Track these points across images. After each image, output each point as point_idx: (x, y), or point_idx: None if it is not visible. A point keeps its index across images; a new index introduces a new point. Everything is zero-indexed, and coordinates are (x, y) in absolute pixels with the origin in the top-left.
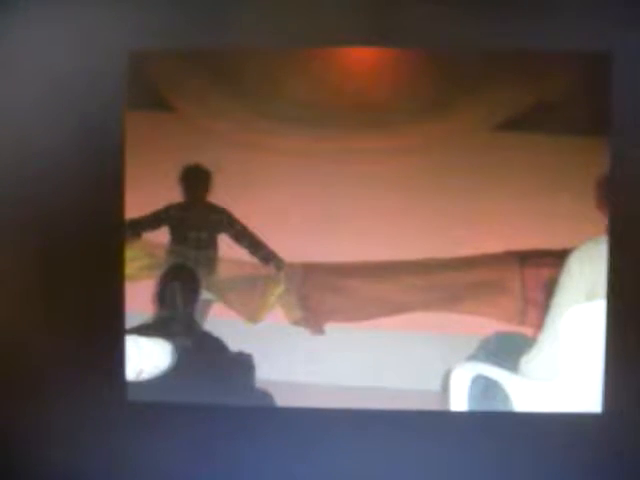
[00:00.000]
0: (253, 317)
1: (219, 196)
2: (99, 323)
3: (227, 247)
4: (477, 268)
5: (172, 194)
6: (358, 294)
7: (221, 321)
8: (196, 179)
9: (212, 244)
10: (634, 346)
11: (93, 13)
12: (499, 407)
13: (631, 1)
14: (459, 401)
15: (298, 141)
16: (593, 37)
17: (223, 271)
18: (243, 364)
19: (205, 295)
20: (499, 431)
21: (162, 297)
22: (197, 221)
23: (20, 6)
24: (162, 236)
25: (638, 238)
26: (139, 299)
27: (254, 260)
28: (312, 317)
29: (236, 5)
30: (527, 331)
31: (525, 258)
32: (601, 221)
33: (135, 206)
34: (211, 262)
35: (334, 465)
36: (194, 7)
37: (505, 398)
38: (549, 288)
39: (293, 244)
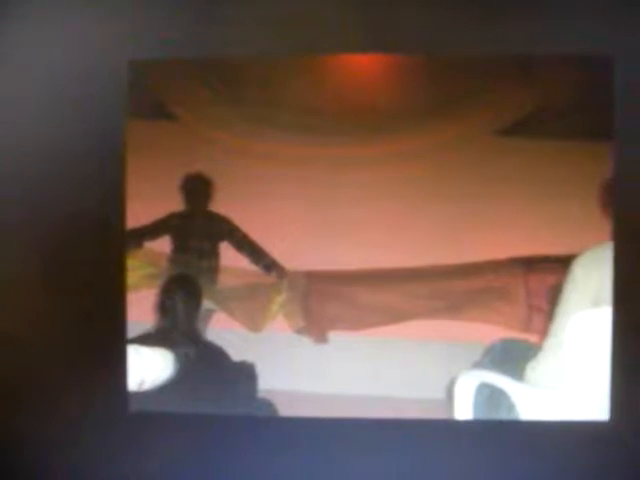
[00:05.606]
0: (255, 326)
1: (220, 204)
2: (101, 333)
3: (229, 256)
4: (481, 275)
5: (173, 203)
6: (361, 302)
7: (223, 330)
8: (197, 188)
9: (214, 253)
10: None
11: (94, 22)
12: (504, 415)
13: (634, 5)
14: (464, 409)
15: (300, 149)
16: (596, 41)
17: (225, 280)
18: (245, 373)
19: (207, 304)
20: (504, 440)
21: (164, 307)
22: (199, 230)
23: (21, 17)
24: (164, 245)
25: None
26: (140, 308)
27: (256, 269)
28: (315, 326)
29: (236, 14)
30: (532, 338)
31: (530, 264)
32: (606, 226)
33: (136, 215)
34: (213, 271)
35: (337, 475)
36: (194, 16)
37: (510, 406)
38: (554, 294)
39: (295, 252)
